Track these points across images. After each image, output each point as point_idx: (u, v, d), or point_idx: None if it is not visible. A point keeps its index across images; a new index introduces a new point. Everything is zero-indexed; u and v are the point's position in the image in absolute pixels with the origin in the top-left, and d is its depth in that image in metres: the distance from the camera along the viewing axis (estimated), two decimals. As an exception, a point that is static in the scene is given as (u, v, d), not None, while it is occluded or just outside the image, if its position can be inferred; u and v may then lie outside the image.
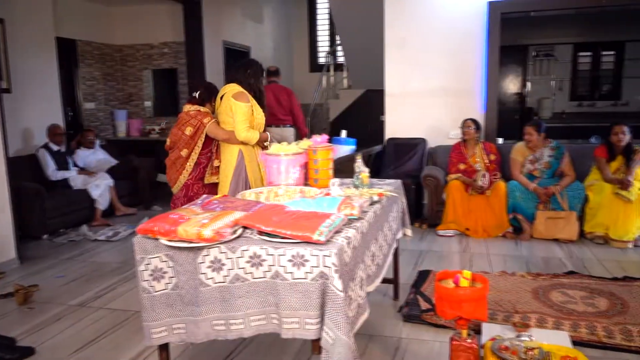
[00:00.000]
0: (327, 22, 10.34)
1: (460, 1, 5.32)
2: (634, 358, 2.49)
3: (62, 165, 5.52)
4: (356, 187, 2.64)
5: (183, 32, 7.15)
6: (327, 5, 9.74)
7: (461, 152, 4.93)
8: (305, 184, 2.76)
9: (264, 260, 1.79)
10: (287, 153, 2.68)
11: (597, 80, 8.77)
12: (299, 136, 5.69)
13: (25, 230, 4.69)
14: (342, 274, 1.72)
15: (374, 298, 3.19)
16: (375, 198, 2.46)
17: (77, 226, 5.20)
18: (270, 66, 5.93)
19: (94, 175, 5.65)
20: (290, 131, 5.68)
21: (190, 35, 7.09)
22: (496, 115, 5.40)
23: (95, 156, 6.08)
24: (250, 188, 3.28)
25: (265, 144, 3.44)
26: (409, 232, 3.14)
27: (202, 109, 3.55)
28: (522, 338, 2.23)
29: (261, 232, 1.86)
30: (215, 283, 1.86)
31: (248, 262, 1.81)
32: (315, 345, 1.78)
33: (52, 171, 5.41)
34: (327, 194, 2.38)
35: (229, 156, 3.40)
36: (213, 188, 3.54)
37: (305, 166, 2.78)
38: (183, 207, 2.21)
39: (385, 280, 2.77)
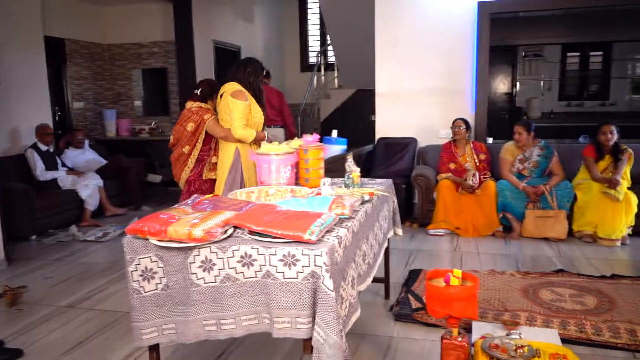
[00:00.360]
0: (317, 21, 10.34)
1: (450, 2, 5.35)
2: (621, 355, 2.52)
3: (50, 165, 5.47)
4: (347, 186, 2.64)
5: (173, 31, 7.12)
6: (317, 4, 9.74)
7: (451, 151, 4.95)
8: (297, 184, 2.75)
9: (255, 259, 1.79)
10: (278, 153, 2.67)
11: (585, 80, 8.86)
12: (288, 136, 5.73)
13: (13, 231, 4.63)
14: (333, 273, 1.72)
15: (365, 297, 3.20)
16: (366, 197, 2.46)
17: (66, 227, 5.15)
18: None
19: (82, 175, 5.60)
20: (280, 131, 5.73)
21: (180, 35, 7.06)
22: (486, 115, 5.44)
23: (84, 156, 6.03)
24: (245, 186, 3.29)
25: (263, 142, 3.46)
26: (399, 231, 3.15)
27: (203, 105, 3.59)
28: (512, 336, 2.25)
29: (252, 232, 1.86)
30: (206, 283, 1.85)
31: (239, 261, 1.81)
32: (307, 344, 1.78)
33: (41, 171, 5.36)
34: (318, 194, 2.38)
35: (226, 154, 3.42)
36: (214, 184, 3.59)
37: (296, 166, 2.78)
38: (173, 207, 2.20)
39: (376, 280, 2.77)
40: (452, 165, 4.90)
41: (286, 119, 5.83)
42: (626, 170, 4.46)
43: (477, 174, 4.74)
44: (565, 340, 2.54)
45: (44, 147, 5.46)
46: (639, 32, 7.98)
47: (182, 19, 7.01)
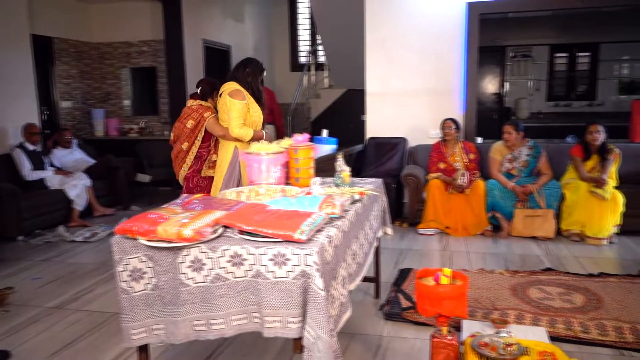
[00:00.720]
0: (308, 21, 10.33)
1: (440, 2, 5.37)
2: (608, 352, 2.55)
3: (38, 165, 5.41)
4: (337, 186, 2.64)
5: (162, 30, 7.07)
6: (308, 5, 9.73)
7: (441, 151, 4.98)
8: (287, 183, 2.75)
9: (245, 259, 1.78)
10: (268, 152, 2.67)
11: (573, 80, 8.95)
12: (278, 135, 5.75)
13: (0, 231, 4.58)
14: (323, 272, 1.72)
15: (355, 297, 3.20)
16: (357, 197, 2.47)
17: (54, 227, 5.10)
18: None
19: (70, 175, 5.56)
20: (271, 128, 5.76)
21: (169, 34, 7.02)
22: (475, 115, 5.47)
23: (72, 156, 5.97)
24: (242, 184, 3.30)
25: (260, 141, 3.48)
26: (389, 230, 3.16)
27: (204, 103, 3.65)
28: (501, 334, 2.26)
29: (242, 232, 1.85)
30: (196, 283, 1.84)
31: (229, 261, 1.80)
32: (297, 344, 1.78)
33: (28, 171, 5.30)
34: (309, 193, 2.38)
35: (225, 152, 3.43)
36: (212, 181, 3.61)
37: (287, 165, 2.77)
38: (162, 206, 2.19)
39: (366, 279, 2.78)
40: (441, 165, 4.92)
41: (277, 117, 5.89)
42: (613, 169, 4.51)
43: (466, 174, 4.76)
44: (553, 338, 2.56)
45: (31, 147, 5.40)
46: (626, 34, 8.09)
47: (172, 17, 6.97)
